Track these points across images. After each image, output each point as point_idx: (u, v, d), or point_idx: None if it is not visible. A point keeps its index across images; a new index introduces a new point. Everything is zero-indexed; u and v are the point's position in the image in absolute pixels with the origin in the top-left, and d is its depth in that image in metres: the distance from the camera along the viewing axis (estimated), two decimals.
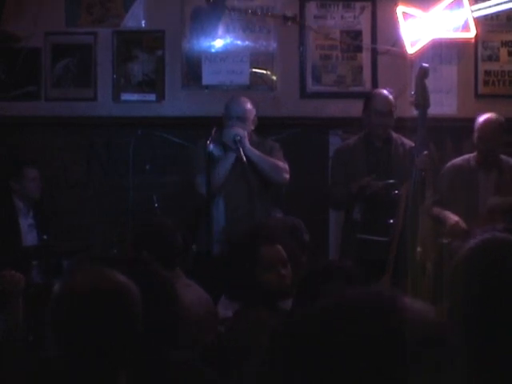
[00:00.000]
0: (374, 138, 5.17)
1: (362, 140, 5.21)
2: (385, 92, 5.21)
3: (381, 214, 4.82)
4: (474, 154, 5.19)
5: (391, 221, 4.72)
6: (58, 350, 1.97)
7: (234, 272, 3.44)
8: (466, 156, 5.24)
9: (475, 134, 5.10)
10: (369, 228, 4.86)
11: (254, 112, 5.22)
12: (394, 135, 5.20)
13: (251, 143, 5.15)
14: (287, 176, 5.22)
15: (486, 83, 6.09)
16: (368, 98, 5.26)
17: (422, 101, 4.72)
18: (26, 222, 5.49)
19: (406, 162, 5.01)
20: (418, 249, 5.27)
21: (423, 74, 4.79)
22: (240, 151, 4.99)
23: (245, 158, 4.98)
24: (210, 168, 4.93)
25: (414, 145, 4.93)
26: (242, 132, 5.06)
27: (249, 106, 5.20)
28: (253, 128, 5.23)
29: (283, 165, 5.21)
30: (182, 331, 3.39)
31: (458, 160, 5.24)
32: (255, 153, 5.11)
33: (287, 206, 5.72)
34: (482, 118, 5.10)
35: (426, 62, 5.54)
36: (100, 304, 1.93)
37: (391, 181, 4.86)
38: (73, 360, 1.94)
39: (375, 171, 5.04)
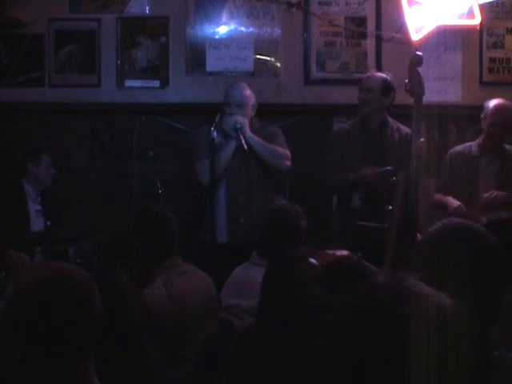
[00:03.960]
0: (370, 122, 5.16)
1: (357, 124, 5.21)
2: (373, 71, 5.32)
3: (379, 201, 4.81)
4: (477, 140, 5.18)
5: (390, 207, 4.71)
6: (18, 350, 1.95)
7: None
8: (468, 143, 5.23)
9: (487, 120, 5.07)
10: (368, 215, 4.85)
11: (253, 97, 5.20)
12: (390, 120, 5.18)
13: (252, 129, 5.13)
14: (288, 163, 5.18)
15: (490, 70, 6.07)
16: None
17: (416, 88, 4.71)
18: (34, 208, 5.51)
19: (401, 147, 5.01)
20: (419, 236, 5.29)
21: (416, 62, 4.77)
22: (241, 139, 4.97)
23: (246, 146, 4.97)
24: (214, 155, 4.92)
25: (409, 131, 4.92)
26: (242, 119, 5.04)
27: (248, 92, 5.17)
28: (253, 114, 5.21)
29: (284, 151, 5.17)
30: (176, 320, 3.41)
31: (459, 147, 5.24)
32: (256, 140, 5.09)
33: (291, 193, 5.73)
34: (493, 104, 5.08)
35: (431, 49, 5.56)
36: (55, 297, 1.92)
37: (388, 168, 4.85)
38: (36, 356, 1.93)
39: (368, 157, 5.02)
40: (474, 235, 1.97)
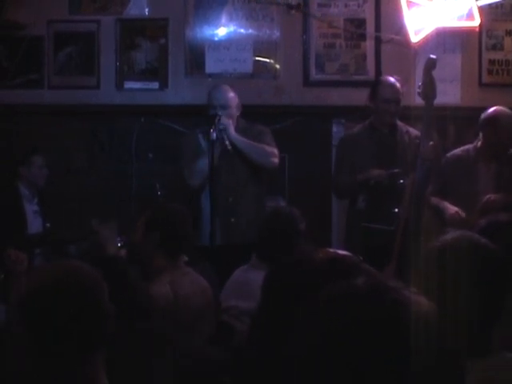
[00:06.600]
0: (380, 125, 5.15)
1: (366, 128, 5.19)
2: (391, 79, 5.16)
3: (386, 203, 4.82)
4: (475, 144, 5.15)
5: (396, 210, 4.72)
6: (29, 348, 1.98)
7: None
8: (466, 146, 5.20)
9: (488, 128, 5.01)
10: (374, 217, 4.86)
11: (236, 98, 5.17)
12: (399, 123, 5.17)
13: (238, 129, 5.11)
14: (276, 160, 5.14)
15: (489, 72, 6.07)
16: (374, 85, 5.23)
17: (429, 92, 4.72)
18: (31, 209, 5.52)
19: (410, 150, 5.00)
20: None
21: (430, 65, 4.78)
22: (225, 140, 4.98)
23: (230, 147, 4.97)
24: (213, 155, 4.88)
25: (419, 134, 4.91)
26: (226, 121, 5.03)
27: (231, 93, 5.16)
28: (238, 113, 5.18)
29: (270, 149, 5.13)
30: (179, 322, 3.41)
31: (457, 151, 5.21)
32: (240, 139, 5.06)
33: (290, 195, 5.73)
34: (495, 112, 5.01)
35: (430, 51, 5.55)
36: (70, 296, 1.96)
37: (396, 170, 4.86)
38: (49, 353, 1.95)
39: (379, 159, 5.03)
40: (478, 247, 2.01)
